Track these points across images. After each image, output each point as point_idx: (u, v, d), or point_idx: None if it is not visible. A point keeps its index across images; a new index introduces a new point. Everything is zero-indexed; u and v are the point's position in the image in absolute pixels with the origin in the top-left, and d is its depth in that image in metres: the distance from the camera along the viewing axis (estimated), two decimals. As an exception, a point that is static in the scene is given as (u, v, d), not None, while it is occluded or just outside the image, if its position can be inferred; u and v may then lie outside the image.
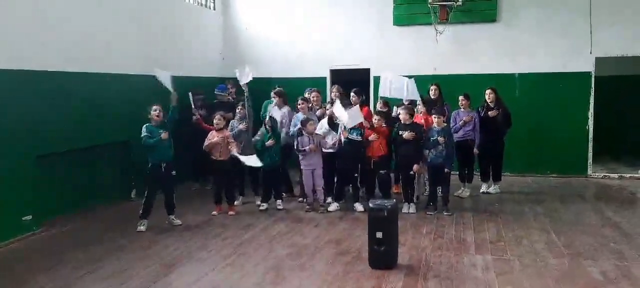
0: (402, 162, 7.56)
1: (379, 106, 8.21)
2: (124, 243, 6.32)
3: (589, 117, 9.91)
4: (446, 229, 6.74)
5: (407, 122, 7.41)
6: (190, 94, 8.10)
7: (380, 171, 7.53)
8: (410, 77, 8.17)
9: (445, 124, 7.63)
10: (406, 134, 7.29)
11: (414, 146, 7.36)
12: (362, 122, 7.57)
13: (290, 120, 8.12)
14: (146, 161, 6.87)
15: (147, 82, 8.48)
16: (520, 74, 10.12)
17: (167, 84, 7.18)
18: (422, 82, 8.62)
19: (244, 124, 7.84)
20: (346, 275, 5.22)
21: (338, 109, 7.45)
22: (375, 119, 7.60)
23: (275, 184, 7.89)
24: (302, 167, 7.73)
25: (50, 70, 6.94)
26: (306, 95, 8.37)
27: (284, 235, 6.58)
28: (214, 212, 7.58)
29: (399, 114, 7.61)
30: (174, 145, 7.06)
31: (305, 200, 7.92)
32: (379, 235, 5.27)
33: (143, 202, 6.85)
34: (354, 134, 7.45)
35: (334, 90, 8.51)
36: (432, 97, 8.44)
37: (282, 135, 7.99)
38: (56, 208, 7.25)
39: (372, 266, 5.35)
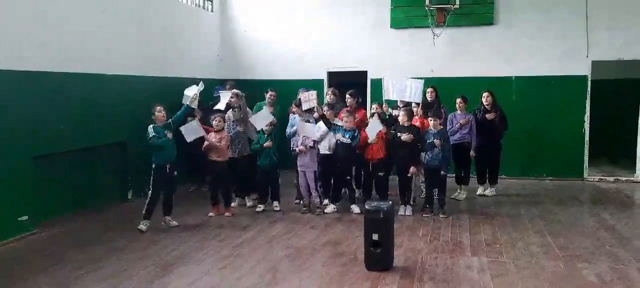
0: (399, 164, 7.58)
1: (374, 109, 8.20)
2: (122, 244, 6.32)
3: (585, 120, 9.95)
4: (442, 231, 6.76)
5: (406, 124, 7.43)
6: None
7: (379, 174, 7.54)
8: (416, 79, 8.11)
9: (442, 127, 7.64)
10: (404, 136, 7.30)
11: (411, 148, 7.38)
12: (361, 125, 7.61)
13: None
14: (144, 162, 6.89)
15: (145, 83, 8.53)
16: (517, 77, 10.17)
17: (194, 92, 7.20)
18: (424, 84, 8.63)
19: (241, 125, 7.85)
20: (342, 277, 5.23)
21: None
22: (370, 121, 7.60)
23: (272, 185, 7.89)
24: (297, 168, 7.73)
25: (49, 71, 6.94)
26: (300, 96, 8.37)
27: (281, 237, 6.59)
28: (211, 213, 7.59)
29: (398, 115, 7.62)
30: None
31: (301, 201, 7.93)
32: (375, 237, 5.28)
33: (147, 203, 6.83)
34: (347, 135, 7.46)
35: (329, 93, 8.52)
36: (429, 100, 8.45)
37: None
38: (53, 208, 7.26)
39: (368, 268, 5.36)
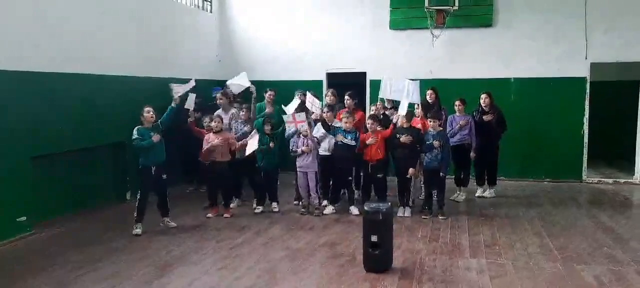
0: (398, 165, 7.58)
1: (373, 109, 8.21)
2: (120, 244, 6.32)
3: (584, 122, 9.96)
4: (441, 233, 6.76)
5: (405, 126, 7.44)
6: (192, 95, 8.05)
7: (378, 175, 7.54)
8: (413, 80, 8.13)
9: (441, 128, 7.65)
10: (403, 138, 7.31)
11: (411, 150, 7.38)
12: (359, 126, 7.60)
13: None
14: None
15: (143, 83, 8.52)
16: (516, 79, 10.18)
17: (184, 89, 7.25)
18: (422, 86, 8.63)
19: (248, 125, 7.86)
20: (341, 278, 5.23)
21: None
22: (368, 122, 7.61)
23: (271, 187, 7.89)
24: (297, 169, 7.73)
25: (47, 71, 6.94)
26: (296, 98, 8.38)
27: (280, 238, 6.59)
28: (209, 215, 7.58)
29: (398, 117, 7.62)
30: (166, 147, 7.00)
31: (300, 203, 7.93)
32: (374, 238, 5.28)
33: (136, 206, 6.79)
34: (349, 137, 7.47)
35: (329, 94, 8.53)
36: (429, 101, 8.47)
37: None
38: (52, 209, 7.26)
39: (367, 269, 5.35)
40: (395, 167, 7.76)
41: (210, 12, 11.34)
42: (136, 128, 6.71)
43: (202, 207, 7.89)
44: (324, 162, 7.67)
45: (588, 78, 9.88)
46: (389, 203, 5.68)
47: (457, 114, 8.38)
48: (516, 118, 9.40)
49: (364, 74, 10.79)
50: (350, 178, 7.80)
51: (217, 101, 8.29)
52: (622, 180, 9.95)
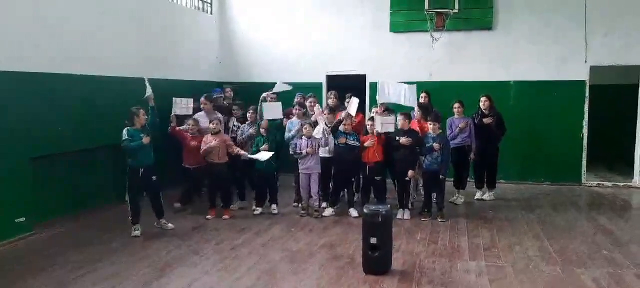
0: (398, 167, 7.58)
1: (373, 112, 8.22)
2: (119, 245, 6.31)
3: (583, 125, 9.96)
4: (440, 235, 6.76)
5: (404, 128, 7.44)
6: (189, 100, 8.09)
7: (376, 177, 7.54)
8: (408, 83, 8.18)
9: (441, 131, 7.65)
10: (403, 139, 7.31)
11: (410, 152, 7.38)
12: (359, 128, 7.61)
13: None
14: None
15: (142, 85, 8.49)
16: (515, 81, 10.18)
17: (148, 87, 7.28)
18: (417, 88, 8.67)
19: (254, 128, 7.87)
20: (340, 280, 5.23)
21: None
22: (368, 124, 7.62)
23: (270, 188, 7.89)
24: (299, 171, 7.72)
25: (46, 72, 6.93)
26: (296, 100, 8.37)
27: (278, 240, 6.59)
28: (208, 216, 7.58)
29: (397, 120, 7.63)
30: (159, 149, 7.01)
31: (299, 204, 7.93)
32: (373, 240, 5.28)
33: (129, 208, 6.77)
34: (351, 138, 7.47)
35: (331, 96, 8.54)
36: (420, 104, 8.51)
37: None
38: (51, 210, 7.23)
39: (366, 271, 5.35)
40: (393, 170, 7.74)
41: (210, 13, 11.35)
42: (126, 129, 6.67)
43: (204, 210, 7.84)
44: (324, 163, 7.66)
45: (587, 81, 9.89)
46: (389, 206, 5.68)
47: (456, 116, 8.39)
48: (516, 121, 9.41)
49: (363, 76, 10.79)
50: (353, 179, 7.79)
51: (201, 105, 8.12)
52: (621, 184, 9.95)
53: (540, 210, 8.11)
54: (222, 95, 9.32)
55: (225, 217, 7.55)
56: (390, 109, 8.32)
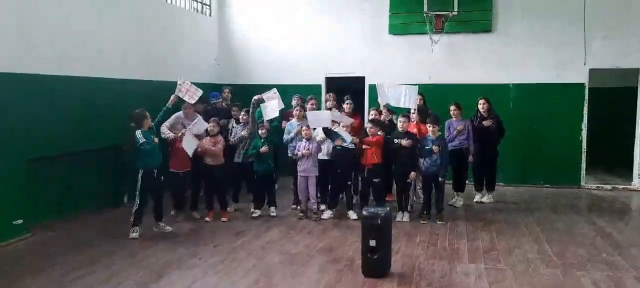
0: (398, 170, 7.56)
1: (372, 114, 8.20)
2: (116, 248, 6.27)
3: (583, 128, 9.95)
4: (439, 238, 6.74)
5: (404, 131, 7.42)
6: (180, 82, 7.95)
7: (374, 179, 7.52)
8: (410, 85, 8.14)
9: (440, 133, 7.64)
10: (404, 141, 7.29)
11: (410, 154, 7.36)
12: (357, 130, 7.58)
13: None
14: (136, 167, 6.79)
15: (141, 86, 8.48)
16: (514, 84, 10.18)
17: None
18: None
19: (247, 130, 7.84)
20: (338, 283, 5.20)
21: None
22: (368, 126, 7.60)
23: (268, 191, 7.86)
24: (298, 173, 7.70)
25: (43, 74, 6.90)
26: (294, 102, 8.35)
27: (276, 242, 6.56)
28: (207, 218, 7.55)
29: (397, 122, 7.62)
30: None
31: (298, 207, 7.90)
32: (373, 243, 5.25)
33: (136, 210, 6.71)
34: (348, 141, 7.45)
35: (330, 98, 8.53)
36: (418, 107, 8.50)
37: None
38: (48, 212, 7.21)
39: (365, 274, 5.33)
40: (394, 172, 7.71)
41: (209, 15, 11.33)
42: (139, 131, 6.62)
43: (201, 212, 7.81)
44: (322, 166, 7.64)
45: (587, 84, 9.88)
46: (388, 208, 5.66)
47: (454, 119, 8.37)
48: (515, 123, 9.41)
49: (362, 79, 10.78)
50: (349, 182, 7.78)
51: (183, 109, 7.79)
52: (621, 187, 9.93)
53: (539, 212, 8.09)
54: (221, 99, 9.29)
55: (224, 219, 7.52)
56: (392, 110, 8.33)
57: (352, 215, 7.58)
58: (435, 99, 8.93)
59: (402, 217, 7.50)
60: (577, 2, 9.66)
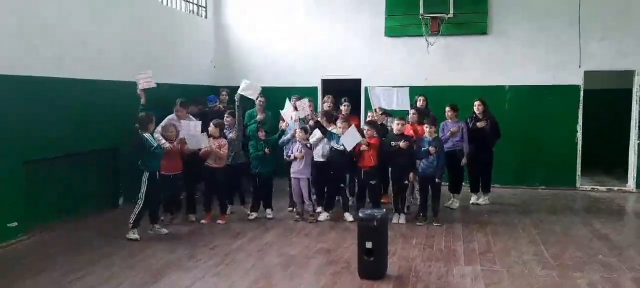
0: (395, 172, 7.56)
1: (370, 116, 8.23)
2: (112, 250, 6.26)
3: (578, 129, 9.99)
4: (436, 240, 6.75)
5: (400, 133, 7.43)
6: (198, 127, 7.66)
7: (370, 182, 7.52)
8: (401, 87, 8.20)
9: (437, 135, 7.65)
10: (402, 143, 7.30)
11: (407, 156, 7.38)
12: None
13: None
14: (135, 168, 6.79)
15: (136, 89, 8.44)
16: (510, 86, 10.21)
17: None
18: (412, 93, 8.75)
19: (234, 132, 7.83)
20: (335, 285, 5.20)
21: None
22: (365, 128, 7.61)
23: (265, 193, 7.85)
24: (291, 175, 7.69)
25: (39, 76, 6.88)
26: (292, 102, 8.36)
27: (274, 244, 6.55)
28: (204, 221, 7.53)
29: (392, 124, 7.63)
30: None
31: (294, 209, 7.90)
32: (369, 245, 5.25)
33: (137, 212, 6.68)
34: (342, 143, 7.45)
35: (328, 100, 8.54)
36: (418, 106, 8.52)
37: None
38: (43, 214, 7.17)
39: (361, 276, 5.33)
40: (391, 174, 7.72)
41: (205, 17, 11.33)
42: (147, 134, 6.66)
43: (198, 214, 7.79)
44: (318, 167, 7.64)
45: (582, 86, 9.92)
46: (384, 210, 5.66)
47: (449, 120, 8.39)
48: (510, 125, 9.43)
49: (359, 81, 10.79)
50: (342, 185, 7.78)
51: (176, 112, 7.74)
52: (616, 188, 9.97)
53: (535, 214, 8.11)
54: (218, 102, 9.28)
55: (220, 221, 7.51)
56: (388, 113, 8.35)
57: (349, 217, 7.59)
58: (431, 101, 8.93)
59: (399, 219, 7.50)
60: (572, 5, 9.71)
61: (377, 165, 7.51)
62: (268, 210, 7.84)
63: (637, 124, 9.81)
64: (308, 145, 7.49)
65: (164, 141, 7.08)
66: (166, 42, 9.76)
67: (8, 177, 6.47)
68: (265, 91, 8.91)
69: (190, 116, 7.81)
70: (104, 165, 8.25)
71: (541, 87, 10.06)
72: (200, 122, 7.50)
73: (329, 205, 7.80)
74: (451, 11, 9.87)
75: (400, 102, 8.13)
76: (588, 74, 9.89)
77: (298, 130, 7.54)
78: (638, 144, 9.83)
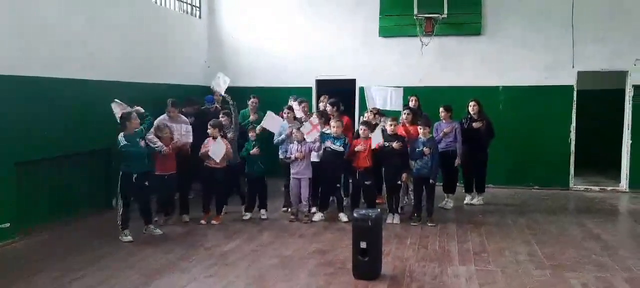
0: (388, 172, 7.57)
1: (366, 116, 8.23)
2: (106, 252, 6.22)
3: (571, 130, 10.04)
4: (430, 240, 6.76)
5: (393, 133, 7.44)
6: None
7: (365, 182, 7.52)
8: (396, 88, 8.22)
9: (431, 135, 7.66)
10: (395, 144, 7.30)
11: (401, 156, 7.38)
12: (349, 133, 7.59)
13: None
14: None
15: (131, 89, 8.43)
16: (504, 87, 10.24)
17: (119, 109, 6.99)
18: (406, 93, 8.76)
19: (231, 132, 7.81)
20: (330, 286, 5.20)
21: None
22: (361, 129, 7.61)
23: (259, 193, 7.84)
24: (291, 176, 7.67)
25: (32, 76, 6.84)
26: (290, 103, 8.35)
27: (268, 246, 6.54)
28: (203, 221, 7.51)
29: (386, 125, 7.64)
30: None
31: (289, 209, 7.89)
32: (363, 245, 5.25)
33: (120, 213, 6.65)
34: (337, 143, 7.45)
35: (324, 100, 8.53)
36: (411, 106, 8.54)
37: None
38: (36, 215, 7.12)
39: (356, 276, 5.33)
40: (384, 174, 7.72)
41: (199, 17, 11.30)
42: (122, 134, 6.58)
43: (193, 214, 7.77)
44: (313, 168, 7.63)
45: (575, 86, 9.97)
46: (378, 210, 5.66)
47: (443, 121, 8.40)
48: (504, 126, 9.46)
49: (353, 81, 10.79)
50: (338, 185, 7.78)
51: (169, 113, 7.70)
52: (609, 188, 10.03)
53: (529, 214, 8.14)
54: (215, 102, 9.24)
55: (214, 222, 7.49)
56: (382, 113, 8.36)
57: (343, 217, 7.58)
58: (425, 102, 8.97)
59: (393, 219, 7.51)
60: (566, 6, 9.76)
61: (372, 165, 7.52)
62: (262, 211, 7.83)
63: (630, 124, 9.88)
64: (308, 145, 7.48)
65: (158, 142, 7.06)
66: (159, 41, 9.72)
67: (0, 178, 6.41)
68: (259, 91, 8.91)
69: (182, 116, 7.79)
70: (98, 166, 8.21)
71: (535, 87, 10.11)
72: (190, 127, 7.55)
73: (323, 205, 7.79)
74: (445, 12, 9.89)
75: (394, 102, 8.16)
76: (581, 75, 9.95)
77: (295, 130, 7.53)
78: (631, 144, 9.89)
